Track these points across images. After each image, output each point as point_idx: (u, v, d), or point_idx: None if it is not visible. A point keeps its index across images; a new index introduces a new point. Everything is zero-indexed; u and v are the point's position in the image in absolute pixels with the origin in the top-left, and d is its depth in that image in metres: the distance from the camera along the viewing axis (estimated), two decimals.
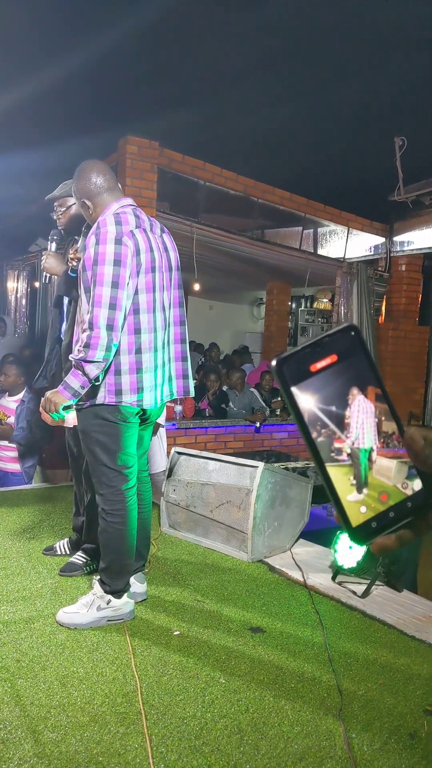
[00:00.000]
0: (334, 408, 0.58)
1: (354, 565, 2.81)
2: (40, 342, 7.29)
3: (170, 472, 3.57)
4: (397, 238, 7.16)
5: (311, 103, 4.61)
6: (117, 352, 2.30)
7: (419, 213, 6.72)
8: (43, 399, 2.36)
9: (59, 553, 3.10)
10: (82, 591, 2.68)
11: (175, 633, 2.39)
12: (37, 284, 2.90)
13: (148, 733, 1.77)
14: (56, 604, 2.56)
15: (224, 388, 6.88)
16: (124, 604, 2.43)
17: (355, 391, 0.59)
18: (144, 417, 2.47)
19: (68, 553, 3.09)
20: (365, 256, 7.24)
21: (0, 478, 4.62)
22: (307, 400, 0.58)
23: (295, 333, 12.58)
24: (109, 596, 2.40)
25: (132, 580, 2.54)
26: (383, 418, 0.60)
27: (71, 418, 2.44)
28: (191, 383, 2.58)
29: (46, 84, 4.21)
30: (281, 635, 2.42)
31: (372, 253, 7.25)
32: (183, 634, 2.38)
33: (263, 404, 6.92)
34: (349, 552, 2.84)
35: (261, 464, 3.19)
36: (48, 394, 2.34)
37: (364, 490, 0.59)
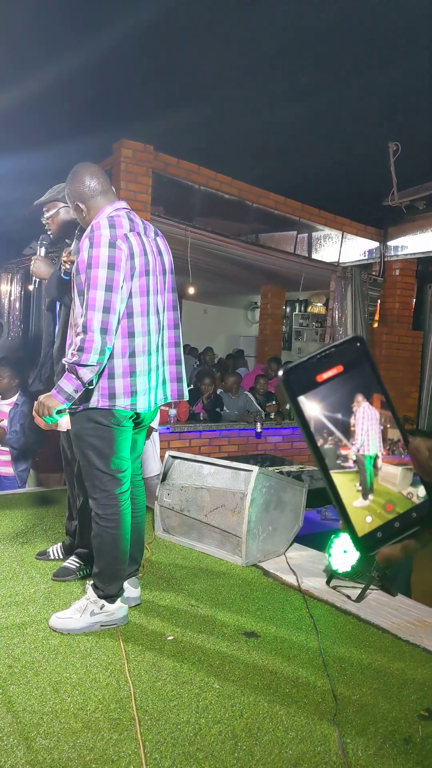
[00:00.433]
0: (339, 416, 0.59)
1: (348, 569, 2.81)
2: (34, 345, 7.28)
3: (164, 476, 3.56)
4: (391, 243, 7.19)
5: (306, 107, 4.62)
6: (111, 356, 2.29)
7: (413, 218, 6.75)
8: (36, 403, 2.35)
9: (52, 557, 3.09)
10: (75, 596, 2.67)
11: (169, 638, 2.38)
12: (31, 287, 2.90)
13: (141, 739, 1.76)
14: (49, 609, 2.54)
15: (219, 391, 6.88)
16: (117, 609, 2.42)
17: (360, 398, 0.60)
18: (138, 421, 2.46)
19: (61, 557, 3.07)
20: (359, 261, 7.26)
21: None
22: (313, 410, 0.59)
23: (290, 337, 12.61)
24: (103, 601, 2.39)
25: (126, 584, 2.52)
26: (388, 426, 0.60)
27: (65, 422, 2.43)
28: (185, 387, 2.57)
29: (42, 87, 4.21)
30: (275, 640, 2.41)
31: (366, 257, 7.28)
32: (177, 639, 2.37)
33: (258, 408, 6.92)
34: (343, 556, 2.84)
35: (255, 468, 3.19)
36: (41, 398, 2.33)
37: (370, 496, 0.59)
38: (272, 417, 6.89)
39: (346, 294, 7.15)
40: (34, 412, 2.37)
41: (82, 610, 2.38)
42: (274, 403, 7.09)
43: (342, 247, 7.12)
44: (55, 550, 3.12)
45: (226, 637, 2.41)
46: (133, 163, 5.29)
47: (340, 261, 7.14)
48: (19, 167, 5.58)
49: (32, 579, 2.86)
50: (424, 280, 7.66)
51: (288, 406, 6.97)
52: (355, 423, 0.59)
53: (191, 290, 7.35)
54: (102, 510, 2.38)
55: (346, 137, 5.25)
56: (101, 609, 2.38)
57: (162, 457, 3.77)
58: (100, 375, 2.29)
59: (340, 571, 2.83)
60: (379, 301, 7.53)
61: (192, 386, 7.10)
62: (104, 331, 2.21)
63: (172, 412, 6.05)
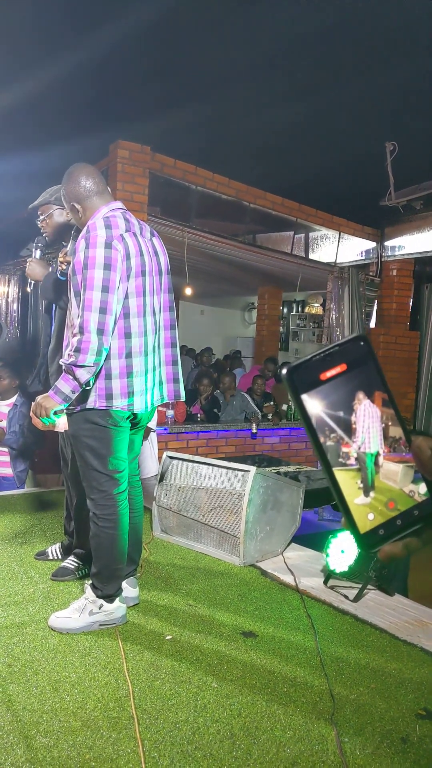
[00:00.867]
0: (341, 414, 0.60)
1: (346, 569, 2.82)
2: (31, 346, 7.28)
3: (162, 476, 3.57)
4: (388, 243, 7.20)
5: (303, 108, 4.64)
6: (108, 357, 2.29)
7: (410, 218, 6.77)
8: (33, 404, 2.35)
9: (51, 557, 3.09)
10: (74, 595, 2.67)
11: (168, 637, 2.38)
12: (29, 289, 2.92)
13: (140, 738, 1.76)
14: (48, 608, 2.55)
15: (216, 392, 6.88)
16: (116, 608, 2.42)
17: (362, 396, 0.60)
18: (135, 421, 2.47)
19: (60, 557, 3.08)
20: (356, 261, 7.28)
21: None
22: (316, 407, 0.59)
23: (287, 338, 12.63)
24: (101, 601, 2.40)
25: (124, 584, 2.53)
26: (390, 424, 0.61)
27: (62, 423, 2.43)
28: (182, 387, 2.58)
29: (40, 87, 4.21)
30: (273, 639, 2.42)
31: (363, 257, 7.29)
32: (175, 639, 2.38)
33: (255, 408, 6.93)
34: (340, 556, 2.85)
35: (253, 468, 3.20)
36: (39, 399, 2.33)
37: (372, 494, 0.60)
38: (269, 418, 6.89)
39: (343, 294, 7.16)
40: (31, 413, 2.38)
41: (80, 609, 2.39)
42: (271, 403, 7.10)
43: (339, 248, 7.13)
44: (54, 550, 3.12)
45: (224, 636, 2.42)
46: (129, 164, 5.30)
47: (337, 261, 7.16)
48: (16, 168, 5.58)
49: (31, 579, 2.86)
50: (421, 280, 7.67)
51: (285, 407, 6.99)
52: (357, 421, 0.60)
53: (188, 291, 7.35)
54: (100, 510, 2.39)
55: (343, 137, 5.27)
56: (100, 608, 2.39)
57: (160, 457, 3.77)
58: (97, 376, 2.30)
59: (338, 571, 2.84)
60: (376, 301, 7.55)
61: (190, 387, 7.11)
62: (101, 331, 2.22)
63: (170, 413, 6.06)
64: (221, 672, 2.15)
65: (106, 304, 2.23)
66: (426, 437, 0.62)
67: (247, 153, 5.68)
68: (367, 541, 0.60)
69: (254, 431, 6.53)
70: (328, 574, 2.91)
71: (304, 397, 0.60)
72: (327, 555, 2.89)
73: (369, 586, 2.82)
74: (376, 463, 0.60)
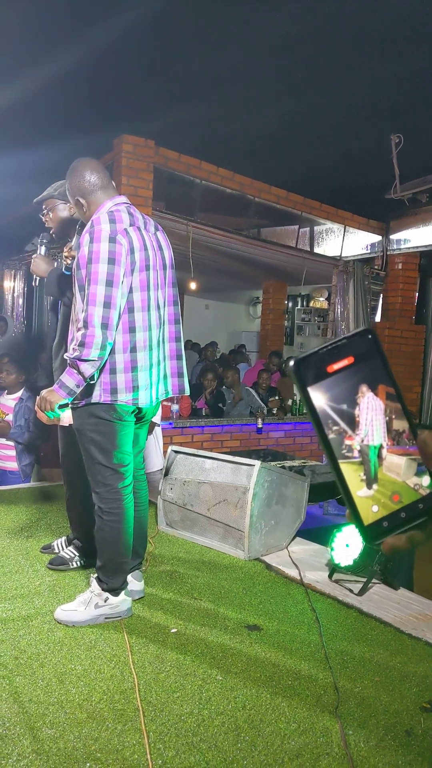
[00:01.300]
0: (346, 407, 0.60)
1: (350, 563, 2.83)
2: (37, 341, 7.30)
3: (167, 470, 3.58)
4: (393, 236, 7.18)
5: (308, 101, 4.62)
6: (112, 351, 2.30)
7: (416, 211, 6.73)
8: (38, 398, 2.36)
9: (57, 551, 3.11)
10: (79, 589, 2.69)
11: (173, 630, 2.40)
12: (35, 284, 2.93)
13: (145, 729, 1.78)
14: (54, 601, 2.56)
15: (223, 388, 6.89)
16: (121, 601, 2.44)
17: (364, 389, 0.61)
18: (139, 415, 2.48)
19: (65, 549, 3.09)
20: (361, 255, 7.25)
21: None
22: (323, 399, 0.60)
23: (292, 332, 12.61)
24: (107, 594, 2.41)
25: (129, 577, 2.54)
26: (394, 417, 0.61)
27: (67, 417, 2.44)
28: (186, 382, 2.58)
29: (42, 83, 4.21)
30: (278, 633, 2.43)
31: (368, 251, 7.27)
32: (180, 632, 2.39)
33: (261, 403, 6.93)
34: (345, 550, 2.85)
35: (258, 463, 3.20)
36: (43, 392, 2.34)
37: (374, 486, 0.60)
38: (274, 412, 6.89)
39: (348, 288, 7.14)
40: (36, 407, 2.39)
41: (86, 602, 2.40)
42: (276, 398, 7.10)
43: (344, 241, 7.11)
44: (60, 543, 3.14)
45: (228, 630, 2.43)
46: (134, 158, 5.29)
47: (343, 255, 7.14)
48: (21, 164, 5.58)
49: (37, 572, 2.88)
50: (426, 273, 7.65)
51: (290, 402, 6.99)
52: (360, 414, 0.60)
53: (193, 285, 7.35)
54: (105, 504, 2.40)
55: (348, 130, 5.25)
56: (105, 602, 2.40)
57: (165, 452, 3.78)
58: (101, 370, 2.30)
59: (343, 564, 2.85)
60: (381, 295, 7.52)
61: (195, 382, 7.11)
62: (105, 326, 2.22)
63: (175, 407, 6.07)
64: (226, 665, 2.16)
65: (110, 299, 2.23)
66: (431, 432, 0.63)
67: (249, 148, 5.67)
68: (371, 533, 0.61)
69: (259, 426, 6.53)
70: (333, 568, 2.92)
71: (311, 389, 0.60)
72: (332, 549, 2.90)
73: (374, 580, 2.82)
74: (379, 456, 0.61)
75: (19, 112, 4.85)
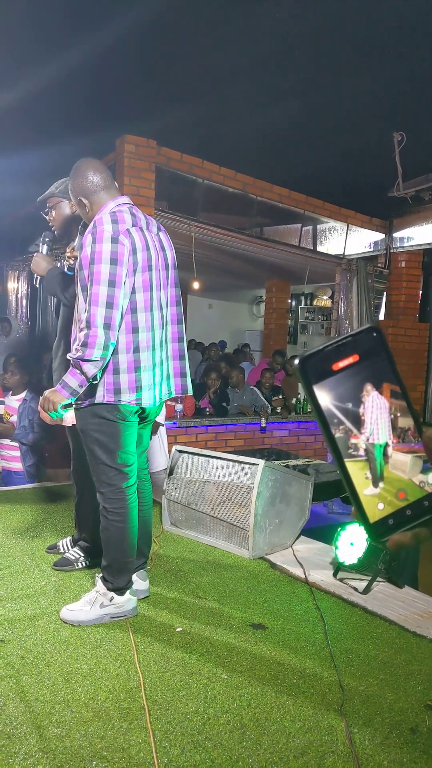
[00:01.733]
0: (351, 405, 0.60)
1: (355, 561, 2.83)
2: (41, 342, 7.31)
3: (171, 470, 3.59)
4: (396, 234, 7.16)
5: (310, 99, 4.61)
6: (115, 351, 2.31)
7: (419, 209, 6.72)
8: (41, 398, 2.38)
9: (62, 551, 3.12)
10: (85, 588, 2.70)
11: (178, 629, 2.41)
12: (37, 284, 2.92)
13: (151, 728, 1.79)
14: (60, 601, 2.57)
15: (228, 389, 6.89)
16: (126, 601, 2.45)
17: (369, 387, 0.61)
18: (143, 415, 2.49)
19: (71, 550, 3.11)
20: (365, 253, 7.24)
21: (3, 477, 4.65)
22: (328, 398, 0.60)
23: (295, 331, 12.61)
24: (112, 593, 2.42)
25: (134, 577, 2.55)
26: (399, 414, 0.61)
27: (70, 417, 2.45)
28: (189, 382, 2.59)
29: (44, 84, 4.22)
30: (283, 632, 2.44)
31: (371, 249, 7.26)
32: (185, 631, 2.40)
33: (265, 402, 6.93)
34: (350, 548, 2.85)
35: (261, 462, 3.21)
36: (46, 393, 2.35)
37: (380, 484, 0.61)
38: (278, 411, 6.89)
39: (352, 287, 7.13)
40: (39, 407, 2.40)
41: (92, 602, 2.41)
42: (280, 397, 7.10)
43: (347, 240, 7.10)
44: (65, 543, 3.15)
45: (233, 628, 2.44)
46: (136, 158, 5.30)
47: (346, 253, 7.13)
48: (23, 165, 5.60)
49: (43, 572, 2.89)
50: (430, 271, 7.63)
51: (294, 401, 6.98)
52: (365, 412, 0.60)
53: (196, 285, 7.35)
54: (109, 504, 2.41)
55: (351, 128, 5.24)
56: (111, 601, 2.41)
57: (169, 451, 3.79)
58: (105, 370, 2.31)
59: (347, 563, 2.85)
60: (384, 293, 7.51)
61: (198, 381, 7.12)
62: (107, 326, 2.23)
63: (179, 407, 6.07)
64: (231, 663, 2.17)
65: (112, 299, 2.24)
66: None
67: (251, 148, 5.66)
68: (377, 530, 0.61)
69: (263, 425, 6.53)
70: (338, 567, 2.92)
71: (316, 387, 0.60)
72: (336, 547, 2.90)
73: (378, 578, 2.83)
74: (384, 454, 0.61)
75: (21, 113, 4.86)
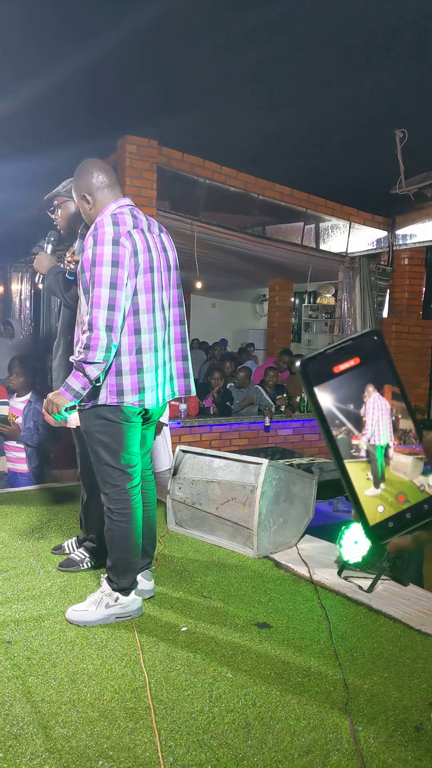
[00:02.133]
0: (352, 407, 0.61)
1: (359, 560, 2.83)
2: (44, 343, 7.33)
3: (175, 470, 3.60)
4: (399, 232, 7.15)
5: (312, 98, 4.61)
6: (118, 353, 2.32)
7: (421, 206, 6.70)
8: (45, 400, 2.39)
9: (68, 552, 3.13)
10: (90, 589, 2.71)
11: (183, 629, 2.42)
12: (40, 286, 2.91)
13: (156, 727, 1.80)
14: (65, 602, 2.59)
15: (229, 386, 6.89)
16: (131, 601, 2.46)
17: (370, 389, 0.62)
18: (146, 416, 2.50)
19: (76, 551, 3.12)
20: (367, 251, 7.23)
21: (9, 479, 4.67)
22: (328, 400, 0.61)
23: (299, 329, 12.60)
24: (117, 594, 2.43)
25: (139, 577, 2.57)
26: (400, 416, 0.62)
27: (73, 419, 2.46)
28: (192, 382, 2.60)
29: (46, 88, 4.23)
30: (287, 630, 2.44)
31: (374, 247, 7.24)
32: (190, 630, 2.41)
33: (269, 401, 6.93)
34: (354, 547, 2.86)
35: (265, 461, 3.21)
36: (50, 395, 2.37)
37: (382, 485, 0.61)
38: (282, 410, 6.89)
39: (355, 284, 7.12)
40: (43, 410, 2.42)
41: (97, 602, 2.43)
42: (284, 395, 7.10)
43: (350, 237, 7.09)
44: (70, 544, 3.17)
45: (238, 628, 2.45)
46: (137, 159, 5.31)
47: (348, 251, 7.12)
48: (27, 169, 5.62)
49: (48, 573, 2.91)
50: None
51: (298, 399, 6.98)
52: (366, 414, 0.61)
53: (198, 285, 7.35)
54: (113, 505, 2.42)
55: (352, 126, 5.23)
56: (116, 601, 2.42)
57: (173, 451, 3.80)
58: (107, 372, 2.32)
59: (352, 561, 2.85)
60: (388, 290, 7.50)
61: (201, 381, 7.12)
62: (109, 328, 2.24)
63: (183, 406, 6.08)
64: (236, 662, 2.18)
65: (114, 301, 2.25)
66: None
67: (253, 147, 5.66)
68: (377, 533, 0.62)
69: (267, 424, 6.53)
70: (342, 565, 2.93)
71: (317, 389, 0.61)
72: (340, 546, 2.90)
73: (383, 577, 2.83)
74: (386, 456, 0.61)
75: (24, 118, 4.88)
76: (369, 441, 0.61)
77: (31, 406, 4.52)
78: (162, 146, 5.41)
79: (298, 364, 0.62)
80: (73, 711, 1.87)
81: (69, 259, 2.73)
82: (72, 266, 2.71)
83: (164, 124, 5.01)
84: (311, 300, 12.32)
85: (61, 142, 4.90)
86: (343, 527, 2.94)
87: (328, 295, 10.44)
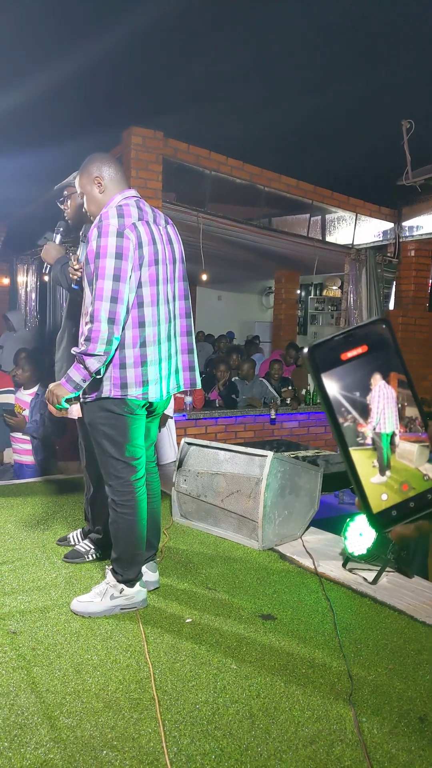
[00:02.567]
0: (359, 394, 0.61)
1: (364, 552, 2.83)
2: (51, 336, 7.33)
3: (181, 462, 3.60)
4: (405, 223, 7.10)
5: (318, 91, 4.57)
6: (122, 346, 2.31)
7: (428, 197, 6.65)
8: (47, 391, 2.39)
9: (73, 543, 3.15)
10: (95, 580, 2.72)
11: (187, 620, 2.42)
12: (46, 278, 2.92)
13: (161, 718, 1.81)
14: (70, 593, 2.60)
15: (234, 379, 6.89)
16: (136, 592, 2.47)
17: (377, 377, 0.61)
18: (150, 409, 2.49)
19: (81, 543, 3.13)
20: (374, 242, 7.18)
21: (15, 471, 4.69)
22: (336, 387, 0.61)
23: (305, 321, 12.56)
24: (122, 585, 2.44)
25: (144, 569, 2.57)
26: (406, 404, 0.62)
27: (75, 410, 2.46)
28: (198, 375, 2.59)
29: (52, 84, 4.22)
30: (292, 622, 2.45)
31: (381, 238, 7.20)
32: (195, 622, 2.41)
33: (275, 394, 6.92)
34: (359, 539, 2.85)
35: (270, 453, 3.21)
36: (51, 386, 2.37)
37: (387, 473, 0.61)
38: (288, 402, 6.89)
39: (361, 276, 7.09)
40: (46, 400, 2.43)
41: (102, 594, 2.43)
42: (289, 388, 7.09)
43: (356, 229, 7.05)
44: (76, 536, 3.18)
45: (243, 619, 2.45)
46: (143, 150, 5.28)
47: (354, 243, 7.08)
48: (33, 164, 5.61)
49: (54, 564, 2.92)
50: None
51: (304, 392, 6.97)
52: (372, 401, 0.61)
53: (204, 277, 7.33)
54: (118, 497, 2.42)
55: (358, 117, 5.19)
56: (121, 593, 2.43)
57: (178, 444, 3.80)
58: (111, 365, 2.32)
59: (356, 554, 2.85)
60: (394, 282, 7.46)
61: (206, 373, 7.11)
62: (111, 321, 2.23)
63: (188, 399, 6.08)
64: (240, 654, 2.19)
65: (117, 293, 2.24)
66: None
67: (259, 138, 5.63)
68: (380, 520, 0.61)
69: (273, 416, 6.53)
70: (347, 557, 2.92)
71: (325, 375, 0.61)
72: (345, 538, 2.90)
73: (387, 569, 2.83)
74: (391, 443, 0.61)
75: (30, 114, 4.88)
76: (375, 429, 0.61)
77: (38, 399, 4.53)
78: (167, 138, 5.38)
79: (305, 350, 0.62)
80: (77, 701, 1.88)
81: (76, 267, 2.70)
82: (77, 276, 2.69)
83: (169, 116, 4.99)
84: (317, 292, 12.28)
85: (65, 136, 4.90)
86: (348, 519, 2.93)
87: (335, 288, 10.38)
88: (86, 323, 2.27)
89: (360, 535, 2.85)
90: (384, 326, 0.63)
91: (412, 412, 0.62)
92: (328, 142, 5.57)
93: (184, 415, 5.98)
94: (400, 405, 0.62)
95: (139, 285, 2.33)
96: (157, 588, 2.68)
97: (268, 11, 3.43)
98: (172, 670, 2.07)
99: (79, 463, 4.35)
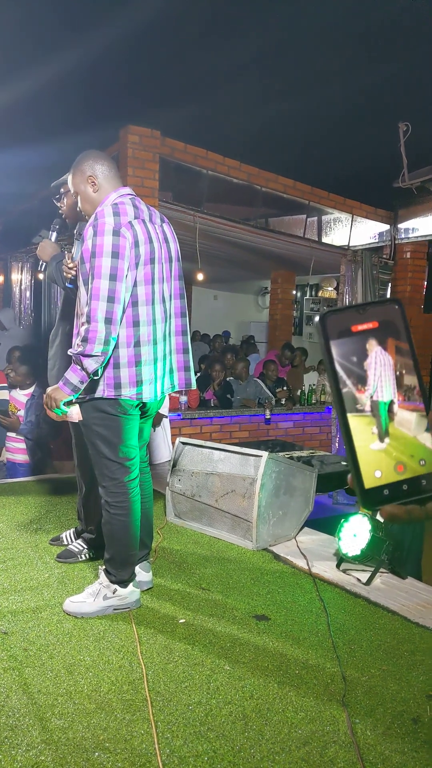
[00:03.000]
0: (363, 365, 0.63)
1: (358, 552, 2.83)
2: (46, 334, 7.30)
3: (175, 462, 3.59)
4: (401, 225, 7.11)
5: (316, 89, 4.57)
6: (116, 345, 2.29)
7: (424, 199, 6.66)
8: (45, 396, 2.37)
9: (65, 543, 3.13)
10: (88, 580, 2.71)
11: (181, 621, 2.41)
12: (41, 276, 2.90)
13: (153, 719, 1.80)
14: (63, 593, 2.59)
15: (229, 378, 6.88)
16: (129, 593, 2.46)
17: (373, 343, 0.63)
18: (144, 410, 2.48)
19: (74, 542, 3.12)
20: (370, 244, 7.19)
21: (8, 469, 4.67)
22: (341, 355, 0.62)
23: (300, 322, 12.57)
24: (115, 585, 2.43)
25: (137, 569, 2.56)
26: (404, 372, 0.64)
27: (75, 413, 2.44)
28: (193, 375, 2.57)
29: (47, 80, 4.20)
30: (286, 623, 2.44)
31: (376, 240, 7.21)
32: (188, 622, 2.40)
33: (269, 394, 6.92)
34: (353, 540, 2.85)
35: (265, 454, 3.20)
36: (49, 390, 2.35)
37: (386, 440, 0.62)
38: (283, 402, 6.89)
39: (357, 278, 7.10)
40: (44, 405, 2.40)
41: (95, 594, 2.42)
42: (284, 388, 7.08)
43: (352, 231, 7.05)
44: (68, 535, 3.16)
45: (236, 620, 2.44)
46: (140, 149, 5.27)
47: (351, 244, 7.09)
48: (27, 161, 5.59)
49: (46, 564, 2.91)
50: None
51: (299, 392, 6.96)
52: (375, 372, 0.62)
53: (200, 276, 7.32)
54: (112, 497, 2.41)
55: (355, 119, 5.19)
56: (114, 593, 2.42)
57: (173, 443, 3.79)
58: (105, 365, 2.30)
59: (350, 554, 2.85)
60: (390, 284, 7.47)
61: (201, 373, 7.11)
62: (108, 320, 2.21)
63: (183, 398, 6.07)
64: (234, 655, 2.18)
65: (114, 293, 2.22)
66: None
67: (256, 139, 5.62)
68: (370, 497, 0.62)
69: (267, 417, 6.53)
70: (341, 558, 2.92)
71: (333, 343, 0.62)
72: (339, 539, 2.90)
73: (381, 570, 2.82)
74: (390, 411, 0.62)
75: (26, 110, 4.86)
76: (372, 396, 0.62)
77: (34, 400, 4.50)
78: (165, 137, 5.37)
79: (317, 318, 0.63)
80: (69, 702, 1.87)
81: (70, 265, 2.68)
82: (71, 275, 2.67)
83: (166, 115, 4.98)
84: (313, 293, 12.28)
85: (62, 133, 4.87)
86: (342, 520, 2.93)
87: (330, 288, 10.38)
88: (82, 323, 2.25)
89: (354, 536, 2.85)
90: (397, 307, 0.64)
91: (411, 380, 0.63)
92: (326, 143, 5.56)
93: (179, 415, 5.97)
94: (398, 373, 0.63)
95: (134, 284, 2.31)
96: (150, 588, 2.67)
97: (268, 11, 3.42)
98: (165, 671, 2.06)
99: (73, 462, 4.34)
